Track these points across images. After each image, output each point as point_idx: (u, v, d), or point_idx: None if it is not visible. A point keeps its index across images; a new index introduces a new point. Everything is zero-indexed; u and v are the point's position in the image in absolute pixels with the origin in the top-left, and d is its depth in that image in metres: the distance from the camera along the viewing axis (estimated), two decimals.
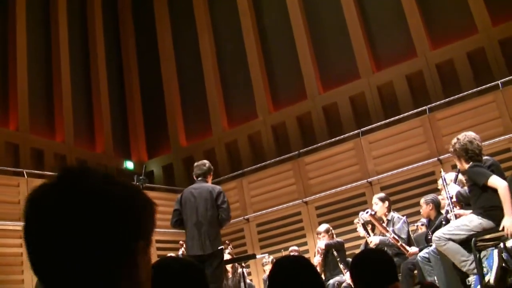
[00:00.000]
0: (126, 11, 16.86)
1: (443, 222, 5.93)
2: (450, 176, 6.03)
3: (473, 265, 4.90)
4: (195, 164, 6.89)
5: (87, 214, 1.00)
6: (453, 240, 5.00)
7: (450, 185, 5.72)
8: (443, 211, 6.68)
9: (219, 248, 6.32)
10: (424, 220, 7.72)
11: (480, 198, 5.06)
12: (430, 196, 7.43)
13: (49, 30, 14.25)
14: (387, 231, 7.15)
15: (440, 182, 6.75)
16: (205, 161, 6.91)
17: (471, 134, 5.32)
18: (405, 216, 7.67)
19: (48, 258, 1.01)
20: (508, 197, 4.83)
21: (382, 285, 2.71)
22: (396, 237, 7.05)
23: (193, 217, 6.39)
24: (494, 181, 4.90)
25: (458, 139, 5.30)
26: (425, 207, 7.30)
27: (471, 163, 5.16)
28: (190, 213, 6.43)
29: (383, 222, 7.42)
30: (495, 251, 4.89)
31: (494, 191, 4.93)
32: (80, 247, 0.98)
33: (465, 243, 5.01)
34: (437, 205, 7.15)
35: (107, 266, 1.01)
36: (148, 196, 1.15)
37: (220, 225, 6.46)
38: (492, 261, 4.86)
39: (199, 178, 6.68)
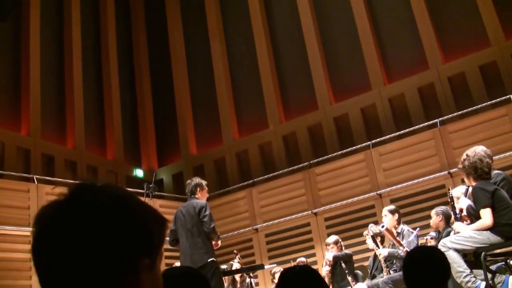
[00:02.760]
0: (138, 18, 16.95)
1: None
2: (460, 189, 5.99)
3: (467, 278, 4.90)
4: (187, 182, 7.28)
5: (90, 231, 1.01)
6: (458, 250, 4.97)
7: (461, 198, 5.68)
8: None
9: (209, 260, 6.55)
10: (433, 234, 7.69)
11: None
12: (441, 208, 7.42)
13: (62, 36, 14.35)
14: (401, 244, 7.11)
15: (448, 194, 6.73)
16: (194, 178, 7.27)
17: (480, 151, 5.25)
18: (417, 229, 7.63)
19: (51, 270, 1.03)
20: (481, 228, 4.97)
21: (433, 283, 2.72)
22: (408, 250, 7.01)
23: (183, 234, 6.76)
24: (484, 214, 4.96)
25: (467, 155, 5.24)
26: (434, 218, 7.30)
27: (479, 181, 5.13)
28: (181, 231, 6.81)
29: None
30: (511, 278, 4.86)
31: (506, 207, 4.91)
32: (81, 263, 1.00)
33: (475, 257, 4.98)
34: (447, 217, 7.12)
35: (108, 282, 1.01)
36: (157, 212, 1.15)
37: (208, 238, 6.70)
38: None
39: (189, 196, 7.03)
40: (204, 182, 7.16)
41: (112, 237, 1.02)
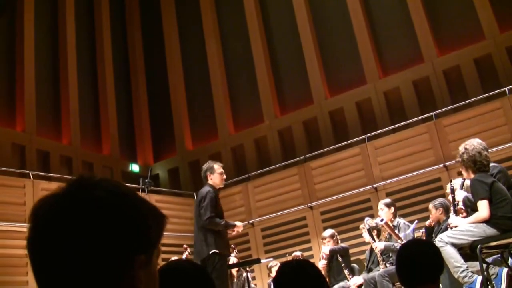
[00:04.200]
0: (133, 15, 16.89)
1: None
2: (456, 182, 6.01)
3: (464, 273, 4.91)
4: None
5: (86, 225, 1.00)
6: (455, 245, 4.98)
7: (457, 191, 5.70)
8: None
9: (210, 252, 6.23)
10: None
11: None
12: (439, 200, 7.37)
13: (56, 32, 14.29)
14: (400, 238, 7.13)
15: (448, 185, 6.73)
16: (207, 162, 6.92)
17: (478, 144, 5.25)
18: (415, 222, 7.64)
19: (46, 265, 1.02)
20: (478, 220, 4.99)
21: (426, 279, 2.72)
22: None
23: (195, 224, 6.59)
24: (481, 206, 4.98)
25: (466, 149, 5.24)
26: (434, 212, 7.24)
27: (477, 174, 5.14)
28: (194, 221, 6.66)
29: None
30: (504, 271, 4.88)
31: (503, 199, 4.93)
32: (76, 258, 0.99)
33: (471, 250, 4.99)
34: (446, 209, 7.09)
35: (104, 278, 1.01)
36: (156, 208, 1.14)
37: (210, 229, 6.36)
38: (500, 282, 4.85)
39: (204, 182, 6.79)
40: (216, 165, 6.74)
41: (109, 233, 1.01)
